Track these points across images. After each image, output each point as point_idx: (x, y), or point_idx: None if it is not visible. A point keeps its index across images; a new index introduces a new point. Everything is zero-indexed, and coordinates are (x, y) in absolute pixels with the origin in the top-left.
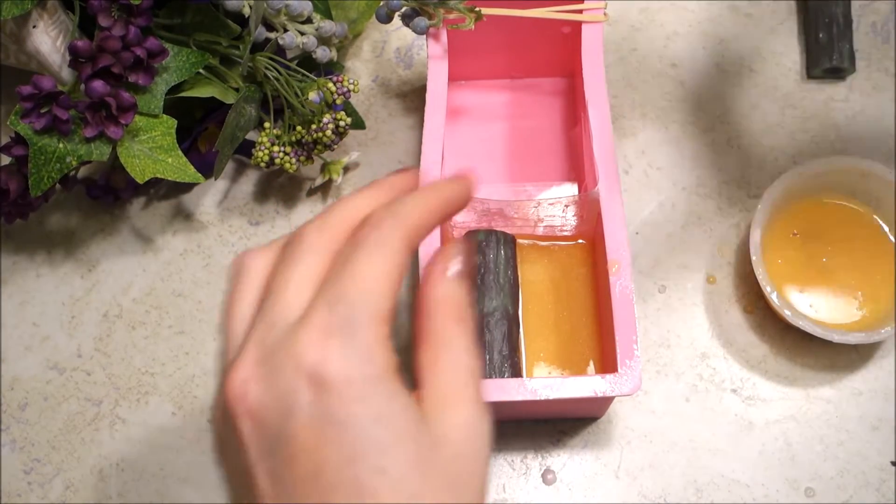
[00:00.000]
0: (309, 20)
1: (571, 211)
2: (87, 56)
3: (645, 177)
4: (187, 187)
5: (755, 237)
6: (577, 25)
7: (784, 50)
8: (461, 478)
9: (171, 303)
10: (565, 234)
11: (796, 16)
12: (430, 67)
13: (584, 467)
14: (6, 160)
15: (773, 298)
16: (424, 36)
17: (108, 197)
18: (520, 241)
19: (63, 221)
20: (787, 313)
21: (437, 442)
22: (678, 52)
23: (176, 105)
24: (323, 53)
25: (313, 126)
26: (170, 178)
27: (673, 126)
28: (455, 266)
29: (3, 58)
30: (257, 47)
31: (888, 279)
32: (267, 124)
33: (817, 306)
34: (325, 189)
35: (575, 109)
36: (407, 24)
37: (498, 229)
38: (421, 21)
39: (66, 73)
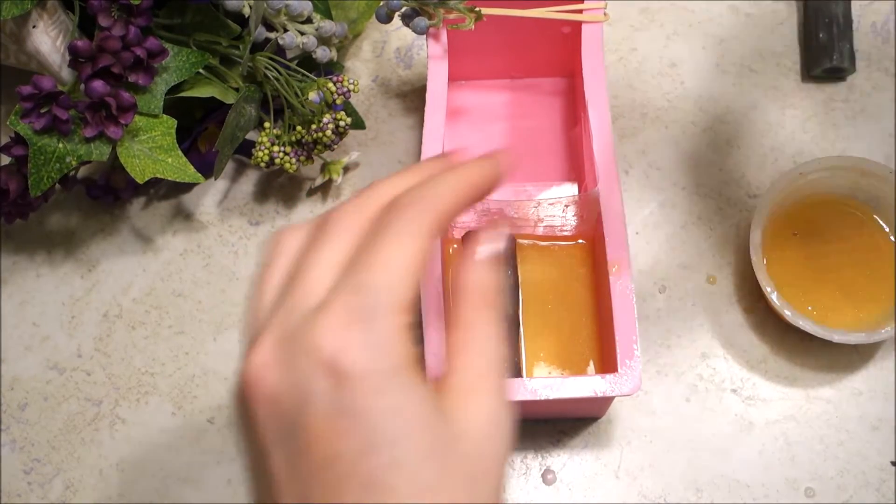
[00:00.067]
0: (309, 20)
1: (571, 211)
2: (87, 56)
3: (645, 177)
4: (187, 187)
5: (755, 237)
6: (577, 25)
7: (784, 50)
8: (478, 473)
9: (171, 303)
10: (565, 234)
11: (796, 16)
12: (430, 67)
13: (584, 467)
14: (6, 160)
15: (773, 298)
16: (424, 36)
17: (108, 197)
18: (520, 241)
19: (63, 221)
20: (787, 313)
21: (455, 436)
22: (678, 52)
23: (176, 105)
24: (323, 53)
25: (313, 126)
26: (170, 178)
27: (673, 126)
28: (485, 250)
29: (3, 58)
30: (257, 47)
31: (888, 279)
32: (267, 124)
33: (817, 306)
34: (325, 189)
35: (575, 109)
36: (407, 24)
37: None
38: (421, 21)
39: (66, 73)
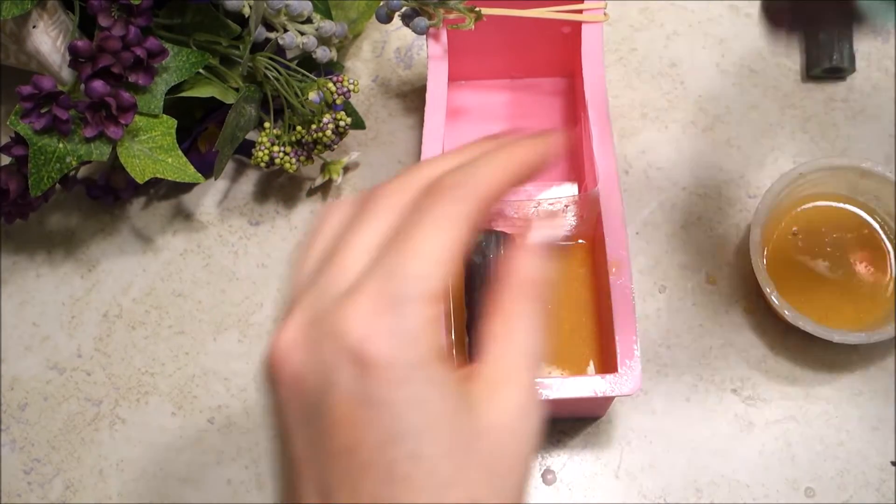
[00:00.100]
0: (309, 20)
1: (571, 211)
2: (87, 56)
3: (645, 177)
4: (187, 187)
5: (755, 237)
6: (577, 25)
7: (784, 50)
8: (500, 470)
9: (171, 303)
10: (565, 234)
11: None
12: (430, 67)
13: (584, 467)
14: (6, 160)
15: (773, 298)
16: (424, 36)
17: (108, 197)
18: (520, 241)
19: (63, 221)
20: (787, 313)
21: (479, 431)
22: (678, 52)
23: (176, 105)
24: (323, 53)
25: (313, 126)
26: (170, 178)
27: (673, 126)
28: (539, 238)
29: (3, 58)
30: (257, 47)
31: (888, 279)
32: (267, 124)
33: (817, 306)
34: (325, 189)
35: (575, 109)
36: (407, 24)
37: (498, 229)
38: (421, 21)
39: (66, 73)
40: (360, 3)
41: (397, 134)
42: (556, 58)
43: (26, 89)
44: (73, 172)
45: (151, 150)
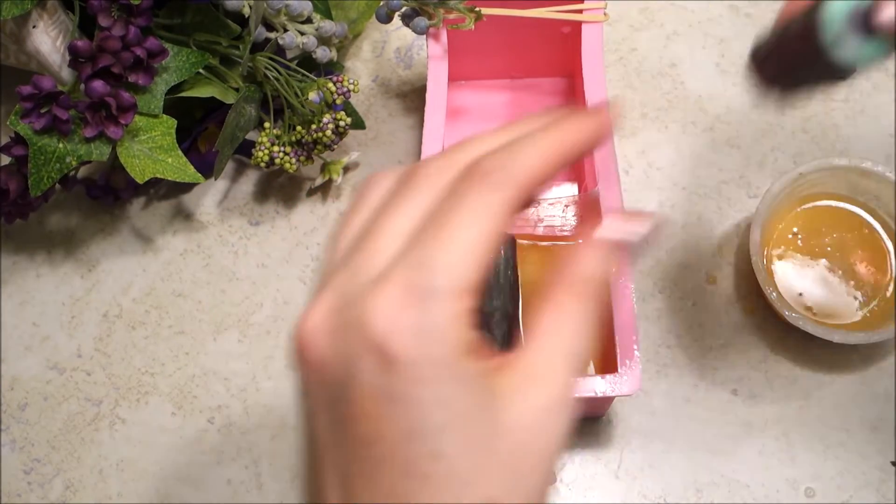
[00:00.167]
0: (309, 20)
1: (571, 211)
2: (87, 56)
3: (645, 177)
4: (187, 187)
5: (755, 237)
6: (577, 25)
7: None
8: (523, 469)
9: (171, 303)
10: (565, 234)
11: None
12: (430, 67)
13: (584, 467)
14: (6, 160)
15: (773, 298)
16: (424, 36)
17: (108, 197)
18: (520, 241)
19: (63, 221)
20: (787, 313)
21: (503, 429)
22: (678, 52)
23: (176, 105)
24: (323, 53)
25: (313, 126)
26: (170, 178)
27: (673, 126)
28: (608, 234)
29: (3, 58)
30: (257, 47)
31: (888, 279)
32: (267, 124)
33: (817, 307)
34: (325, 189)
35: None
36: (407, 24)
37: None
38: (421, 21)
39: (66, 73)
40: (360, 3)
41: (397, 134)
42: (556, 58)
43: (26, 89)
44: (73, 172)
45: (151, 150)
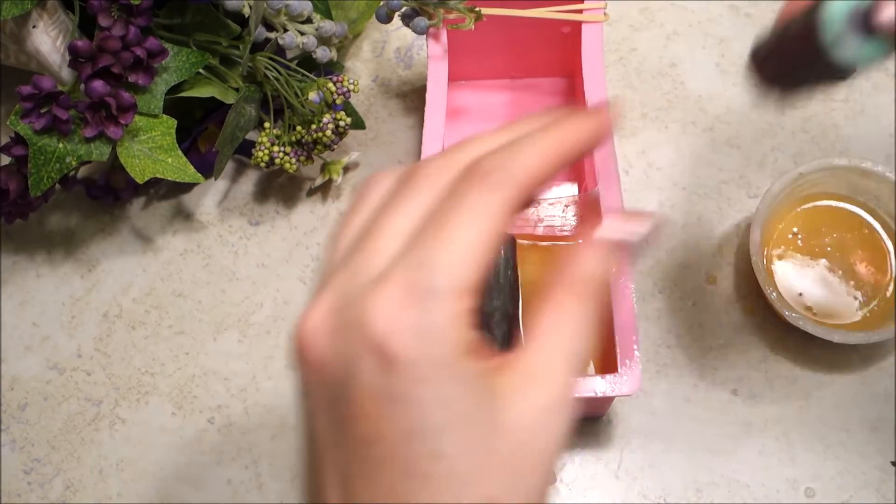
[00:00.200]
0: (309, 20)
1: (571, 211)
2: (87, 56)
3: (645, 177)
4: (187, 187)
5: (755, 237)
6: (577, 25)
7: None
8: (522, 469)
9: (171, 303)
10: (565, 234)
11: None
12: (430, 67)
13: (584, 467)
14: (6, 160)
15: (773, 298)
16: (424, 36)
17: (108, 197)
18: (520, 241)
19: (63, 221)
20: (787, 313)
21: (503, 429)
22: (678, 52)
23: (176, 105)
24: (323, 53)
25: (313, 126)
26: (170, 178)
27: (673, 126)
28: (608, 234)
29: (3, 58)
30: (257, 47)
31: (888, 279)
32: (267, 124)
33: (817, 307)
34: (325, 189)
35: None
36: (407, 24)
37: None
38: (421, 21)
39: (66, 73)
40: (360, 3)
41: (397, 134)
42: (556, 58)
43: (26, 89)
44: (72, 172)
45: (151, 150)
